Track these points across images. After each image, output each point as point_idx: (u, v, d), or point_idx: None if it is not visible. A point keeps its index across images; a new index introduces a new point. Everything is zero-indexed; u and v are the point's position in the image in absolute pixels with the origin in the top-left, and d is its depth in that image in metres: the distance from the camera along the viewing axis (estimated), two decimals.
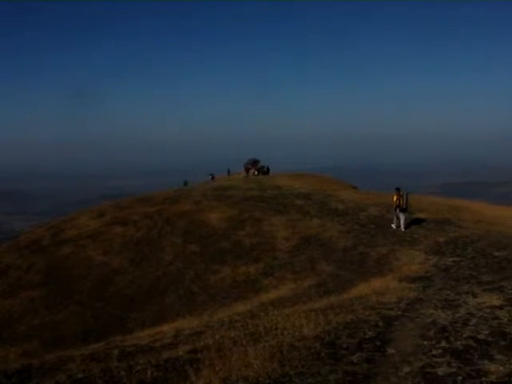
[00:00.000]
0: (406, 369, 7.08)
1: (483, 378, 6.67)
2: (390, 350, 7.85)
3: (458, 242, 19.87)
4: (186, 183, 56.41)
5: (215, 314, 14.00)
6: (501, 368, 6.93)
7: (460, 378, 6.69)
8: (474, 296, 11.39)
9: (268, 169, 62.01)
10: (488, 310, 9.94)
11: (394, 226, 23.45)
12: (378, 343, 8.15)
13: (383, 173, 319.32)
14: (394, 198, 23.29)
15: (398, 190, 23.47)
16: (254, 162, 63.97)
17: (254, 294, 18.39)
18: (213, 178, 59.12)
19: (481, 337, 8.23)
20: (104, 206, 38.20)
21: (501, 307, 10.16)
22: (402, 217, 23.19)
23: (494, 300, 10.80)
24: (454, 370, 6.97)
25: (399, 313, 10.02)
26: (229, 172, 64.82)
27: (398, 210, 23.23)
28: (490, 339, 8.10)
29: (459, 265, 16.16)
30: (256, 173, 59.59)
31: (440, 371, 6.92)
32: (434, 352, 7.66)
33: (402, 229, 23.02)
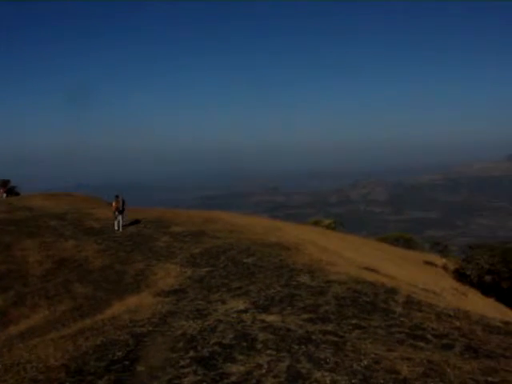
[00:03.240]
0: None
1: (225, 380, 6.98)
2: (139, 368, 7.79)
3: (212, 252, 20.66)
4: None
5: None
6: (241, 368, 7.33)
7: None
8: (224, 303, 11.92)
9: (14, 188, 58.25)
10: (235, 315, 10.47)
11: (116, 227, 26.48)
12: (127, 363, 8.04)
13: (150, 189, 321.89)
14: (114, 204, 26.66)
15: (117, 196, 26.90)
16: (4, 183, 59.33)
17: (3, 328, 16.90)
18: None
19: (226, 341, 8.62)
20: None
21: (246, 310, 10.80)
22: (120, 219, 26.48)
23: (241, 304, 11.44)
24: (199, 377, 7.17)
25: (151, 328, 10.02)
26: None
27: (117, 213, 26.46)
28: (233, 342, 8.52)
29: (212, 274, 16.78)
30: (5, 195, 55.31)
31: (186, 381, 7.07)
32: (182, 363, 7.79)
33: (120, 229, 26.21)
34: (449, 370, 7.28)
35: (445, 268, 38.06)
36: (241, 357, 7.79)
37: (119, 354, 8.49)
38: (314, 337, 8.63)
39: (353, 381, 6.83)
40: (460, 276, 36.83)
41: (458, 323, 10.31)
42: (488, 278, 39.39)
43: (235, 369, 7.33)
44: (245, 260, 18.35)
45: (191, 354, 8.16)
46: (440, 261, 39.52)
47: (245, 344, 8.38)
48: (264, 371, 7.21)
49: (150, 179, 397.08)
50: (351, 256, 20.54)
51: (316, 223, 36.55)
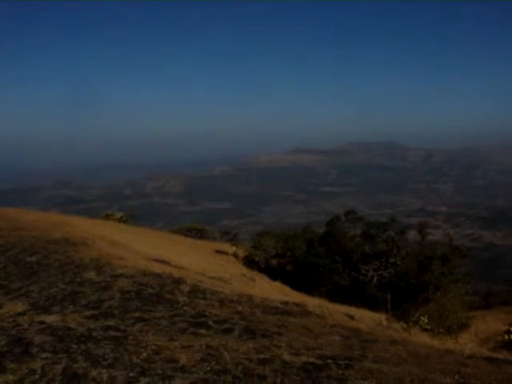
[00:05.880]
0: None
1: None
2: None
3: None
4: None
5: None
6: (11, 377, 6.83)
7: None
8: None
9: None
10: (11, 319, 9.75)
11: None
12: None
13: None
14: None
15: None
16: None
17: None
18: None
19: None
20: None
21: (24, 313, 10.11)
22: None
23: (19, 307, 10.69)
24: None
25: None
26: None
27: None
28: (5, 350, 7.90)
29: None
30: None
31: None
32: None
33: None
34: (226, 353, 7.57)
35: (235, 255, 39.88)
36: (12, 365, 7.24)
37: None
38: (94, 334, 8.38)
39: (130, 374, 6.75)
40: (249, 262, 38.94)
41: (239, 307, 10.78)
42: (274, 262, 42.25)
43: (4, 379, 6.80)
44: (28, 259, 17.23)
45: None
46: (231, 249, 41.32)
47: (19, 350, 7.83)
48: (37, 376, 6.79)
49: None
50: (142, 249, 20.46)
51: (107, 217, 35.71)
